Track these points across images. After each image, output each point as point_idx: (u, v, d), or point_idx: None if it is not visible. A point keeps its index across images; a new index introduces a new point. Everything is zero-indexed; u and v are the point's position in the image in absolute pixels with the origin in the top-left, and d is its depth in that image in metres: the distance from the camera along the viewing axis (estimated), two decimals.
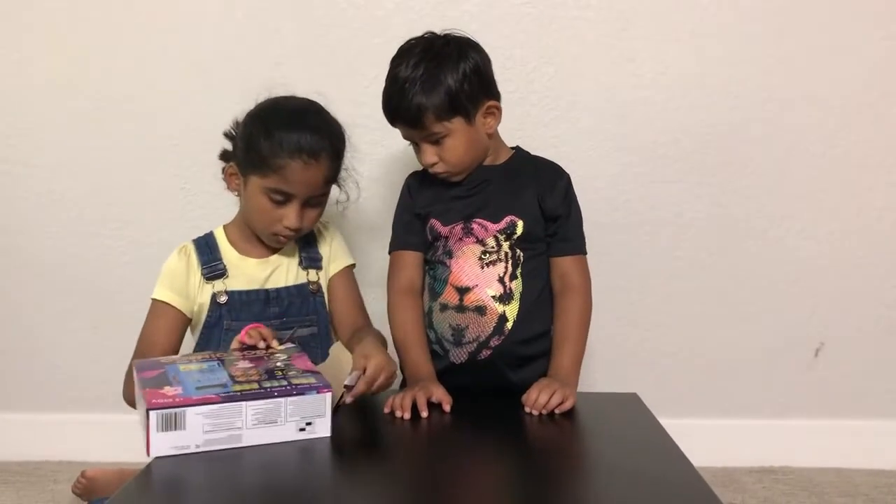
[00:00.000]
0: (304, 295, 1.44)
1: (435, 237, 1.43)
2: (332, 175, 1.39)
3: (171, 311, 1.40)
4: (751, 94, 1.78)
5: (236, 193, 1.43)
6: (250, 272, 1.43)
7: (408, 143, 1.42)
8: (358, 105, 1.63)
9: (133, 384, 1.17)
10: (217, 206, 1.78)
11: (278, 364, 1.17)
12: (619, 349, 1.83)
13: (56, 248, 1.86)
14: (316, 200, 1.38)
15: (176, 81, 1.78)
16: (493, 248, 1.38)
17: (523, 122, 1.72)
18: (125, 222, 1.85)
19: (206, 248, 1.43)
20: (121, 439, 1.85)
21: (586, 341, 1.39)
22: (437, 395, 1.24)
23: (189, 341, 1.45)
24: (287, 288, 1.44)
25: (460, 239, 1.40)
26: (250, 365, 1.16)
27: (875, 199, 1.83)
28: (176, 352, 1.40)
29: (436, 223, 1.42)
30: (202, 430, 1.02)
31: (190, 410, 1.01)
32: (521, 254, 1.39)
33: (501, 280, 1.37)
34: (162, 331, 1.39)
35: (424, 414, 1.19)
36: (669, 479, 0.98)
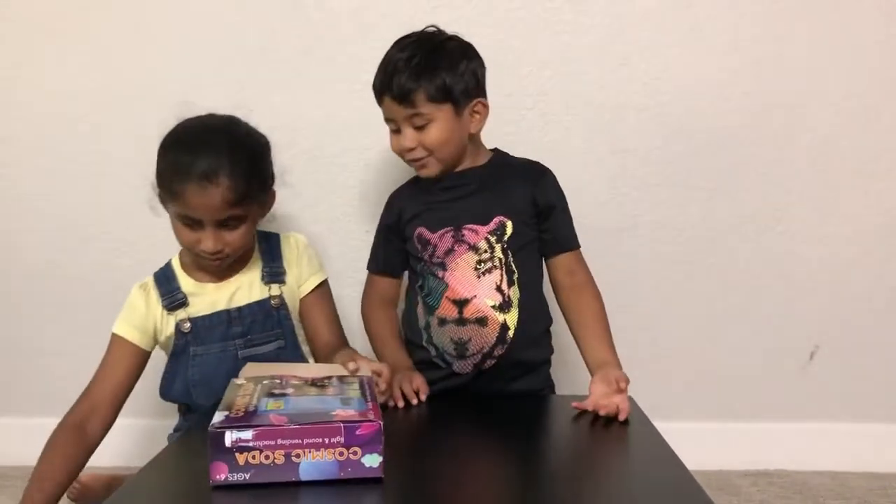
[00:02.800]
0: (266, 310, 1.43)
1: (423, 244, 1.42)
2: (238, 194, 1.29)
3: (128, 345, 1.40)
4: (743, 98, 1.78)
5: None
6: (211, 297, 1.41)
7: (388, 127, 1.40)
8: (351, 110, 1.63)
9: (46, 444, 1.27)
10: None
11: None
12: None
13: (42, 252, 1.86)
14: (232, 222, 1.32)
15: (163, 86, 1.77)
16: (486, 252, 1.38)
17: (517, 126, 1.72)
18: (113, 227, 1.84)
19: (165, 280, 1.42)
20: (115, 444, 1.85)
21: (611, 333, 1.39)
22: (416, 384, 1.29)
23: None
24: (249, 305, 1.42)
25: (452, 249, 1.39)
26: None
27: (868, 202, 1.83)
28: (132, 386, 1.40)
29: (423, 231, 1.42)
30: None
31: None
32: (514, 260, 1.39)
33: (499, 289, 1.37)
34: (119, 364, 1.39)
35: (415, 401, 1.26)
36: (664, 482, 0.99)
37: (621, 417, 1.19)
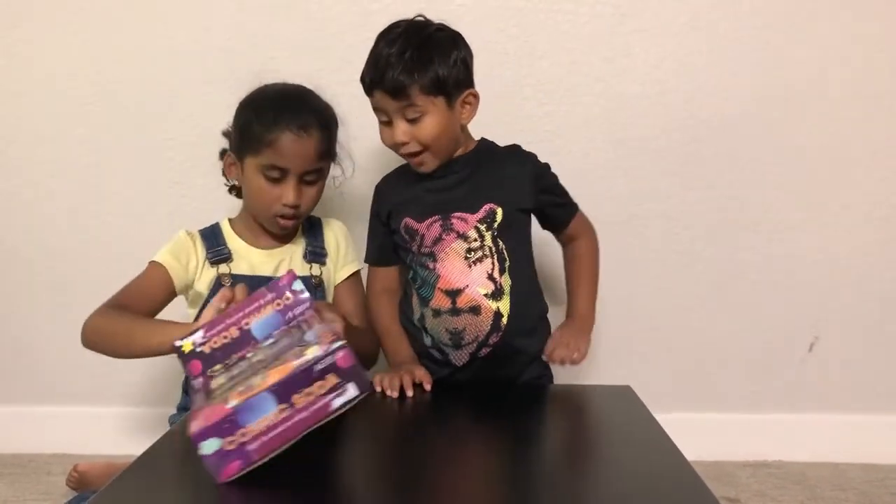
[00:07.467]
0: (307, 287, 1.44)
1: (411, 235, 1.41)
2: (325, 148, 1.40)
3: (166, 275, 1.41)
4: (744, 89, 1.78)
5: (236, 183, 1.46)
6: (256, 261, 1.45)
7: (378, 118, 1.38)
8: (352, 97, 1.62)
9: (106, 321, 1.29)
10: (210, 202, 1.78)
11: None
12: (613, 342, 1.83)
13: (49, 241, 1.86)
14: (312, 177, 1.40)
15: (169, 76, 1.78)
16: (475, 241, 1.37)
17: (517, 116, 1.71)
18: (118, 217, 1.84)
19: (211, 236, 1.47)
20: (112, 433, 1.86)
21: (598, 277, 1.48)
22: (419, 376, 1.30)
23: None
24: None
25: (440, 238, 1.38)
26: None
27: (869, 192, 1.83)
28: (152, 316, 1.39)
29: (409, 221, 1.40)
30: None
31: None
32: (505, 247, 1.38)
33: (491, 277, 1.36)
34: (151, 290, 1.40)
35: (410, 393, 1.25)
36: (662, 473, 0.98)
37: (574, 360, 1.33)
